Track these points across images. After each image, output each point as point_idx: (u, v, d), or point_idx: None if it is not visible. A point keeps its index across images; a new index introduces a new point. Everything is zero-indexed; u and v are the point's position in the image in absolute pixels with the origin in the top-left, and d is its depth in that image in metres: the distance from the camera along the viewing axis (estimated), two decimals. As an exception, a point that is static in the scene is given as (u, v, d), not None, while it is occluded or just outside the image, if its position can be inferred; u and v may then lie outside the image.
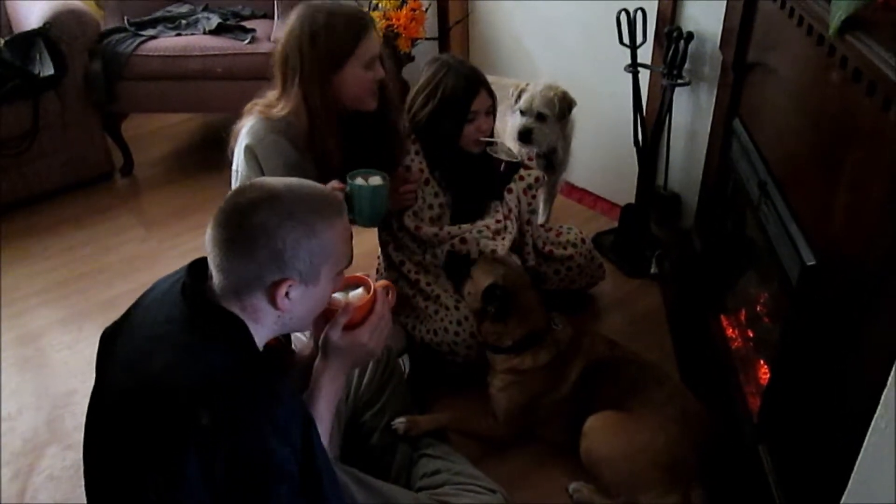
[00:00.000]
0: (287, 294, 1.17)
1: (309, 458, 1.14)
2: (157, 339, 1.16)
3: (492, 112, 2.10)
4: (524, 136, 2.46)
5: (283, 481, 1.10)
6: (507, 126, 2.67)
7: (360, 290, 1.38)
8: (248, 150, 1.82)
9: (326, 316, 1.34)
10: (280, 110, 1.85)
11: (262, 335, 1.21)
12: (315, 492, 1.16)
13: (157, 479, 1.05)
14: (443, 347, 2.11)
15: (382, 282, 1.44)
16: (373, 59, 1.84)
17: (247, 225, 1.14)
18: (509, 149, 2.16)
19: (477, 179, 2.15)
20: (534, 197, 2.23)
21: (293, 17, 1.84)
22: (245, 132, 1.85)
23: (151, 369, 1.11)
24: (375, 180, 1.83)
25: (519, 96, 2.48)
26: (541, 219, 2.74)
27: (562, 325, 1.94)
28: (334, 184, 1.79)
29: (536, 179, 2.22)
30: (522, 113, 2.47)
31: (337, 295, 1.36)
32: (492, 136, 2.12)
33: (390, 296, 1.44)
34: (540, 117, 2.46)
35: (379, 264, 2.33)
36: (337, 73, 1.82)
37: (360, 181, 1.82)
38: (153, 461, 1.06)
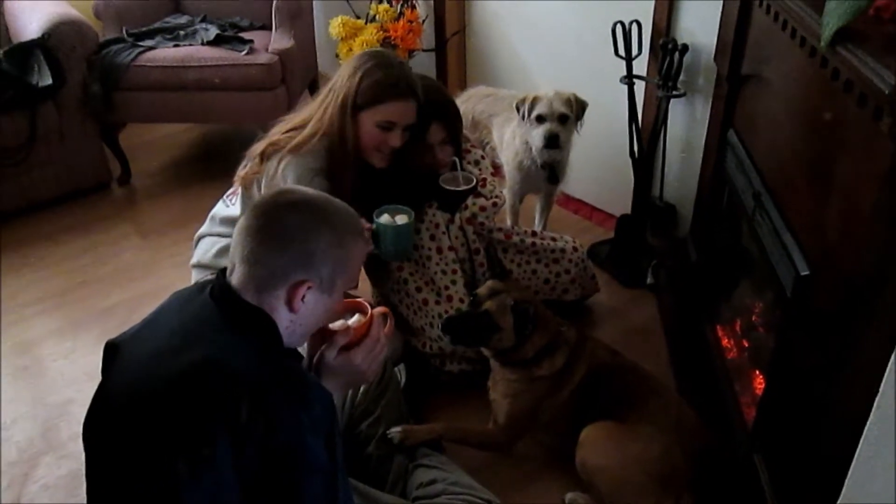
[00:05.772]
0: (304, 297, 1.21)
1: (331, 448, 1.18)
2: (190, 334, 1.18)
3: (449, 142, 2.09)
4: (552, 140, 2.42)
5: (316, 473, 1.14)
6: (505, 137, 2.68)
7: (357, 316, 1.41)
8: None
9: (323, 335, 1.37)
10: (309, 134, 1.93)
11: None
12: (332, 481, 1.19)
13: (186, 460, 1.07)
14: (428, 349, 2.14)
15: (380, 308, 1.47)
16: (388, 124, 1.93)
17: (287, 220, 1.20)
18: (468, 174, 2.14)
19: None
20: (482, 224, 2.17)
21: (368, 50, 2.02)
22: (291, 179, 1.90)
23: (185, 362, 1.13)
24: (401, 218, 1.88)
25: (531, 107, 2.44)
26: (537, 228, 2.75)
27: (566, 325, 1.95)
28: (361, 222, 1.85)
29: (482, 209, 2.15)
30: (541, 119, 2.43)
31: (337, 321, 1.40)
32: (454, 165, 2.11)
33: (388, 324, 1.46)
34: (562, 119, 2.43)
35: None
36: (357, 115, 1.92)
37: (385, 218, 1.88)
38: (183, 444, 1.08)
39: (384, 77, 1.90)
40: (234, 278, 1.21)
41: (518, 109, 2.49)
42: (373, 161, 1.99)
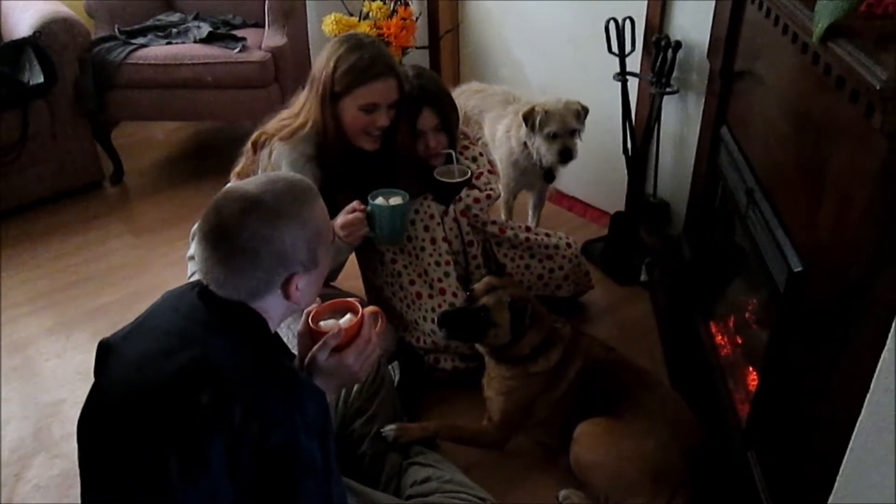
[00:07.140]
0: (297, 286, 1.23)
1: (325, 448, 1.18)
2: (182, 335, 1.18)
3: (442, 129, 2.08)
4: (567, 156, 2.44)
5: (310, 474, 1.14)
6: (497, 134, 2.68)
7: (349, 316, 1.41)
8: None
9: (314, 337, 1.36)
10: (300, 123, 1.95)
11: (273, 326, 1.27)
12: (326, 480, 1.19)
13: (178, 460, 1.07)
14: (422, 344, 2.13)
15: (371, 308, 1.47)
16: (371, 106, 1.92)
17: (241, 239, 1.16)
18: (463, 167, 2.14)
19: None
20: (476, 216, 2.17)
21: (340, 35, 1.98)
22: (284, 166, 1.92)
23: (178, 363, 1.13)
24: (395, 200, 1.90)
25: (543, 122, 2.40)
26: (530, 225, 2.75)
27: (560, 322, 1.94)
28: (355, 204, 1.89)
29: (476, 200, 2.16)
30: (555, 136, 2.41)
31: (328, 321, 1.39)
32: (449, 157, 2.11)
33: (378, 323, 1.46)
34: (572, 133, 2.45)
35: None
36: (338, 103, 1.93)
37: (380, 201, 1.89)
38: (176, 445, 1.08)
39: (358, 60, 1.90)
40: (222, 295, 1.21)
41: (526, 121, 2.46)
42: (363, 145, 1.99)
